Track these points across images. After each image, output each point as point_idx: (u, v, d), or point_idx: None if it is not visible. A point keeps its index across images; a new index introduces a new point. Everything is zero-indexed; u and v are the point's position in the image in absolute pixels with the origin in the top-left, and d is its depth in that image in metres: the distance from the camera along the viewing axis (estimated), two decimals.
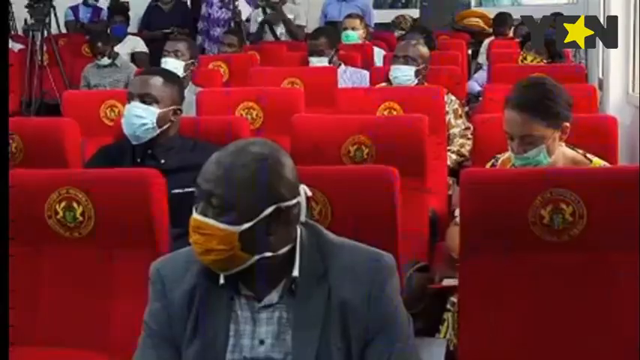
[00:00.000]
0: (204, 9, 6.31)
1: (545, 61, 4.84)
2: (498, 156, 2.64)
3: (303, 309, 1.69)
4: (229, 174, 1.63)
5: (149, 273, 1.80)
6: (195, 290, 1.73)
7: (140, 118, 2.82)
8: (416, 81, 4.24)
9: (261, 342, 1.71)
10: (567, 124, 2.44)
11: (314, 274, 1.70)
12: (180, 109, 2.92)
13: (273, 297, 1.71)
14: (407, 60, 4.27)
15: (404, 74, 4.24)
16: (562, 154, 2.47)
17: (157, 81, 2.88)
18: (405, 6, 8.92)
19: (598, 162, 2.48)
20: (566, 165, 2.45)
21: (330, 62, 5.11)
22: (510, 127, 2.43)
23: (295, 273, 1.70)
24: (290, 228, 1.70)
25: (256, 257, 1.67)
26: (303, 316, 1.69)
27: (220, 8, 6.17)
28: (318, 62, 5.11)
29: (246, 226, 1.63)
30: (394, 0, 9.09)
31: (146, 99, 2.84)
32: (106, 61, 5.92)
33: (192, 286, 1.73)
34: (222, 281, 1.71)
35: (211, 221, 1.63)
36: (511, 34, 6.90)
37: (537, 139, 2.39)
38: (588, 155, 2.51)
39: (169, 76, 3.04)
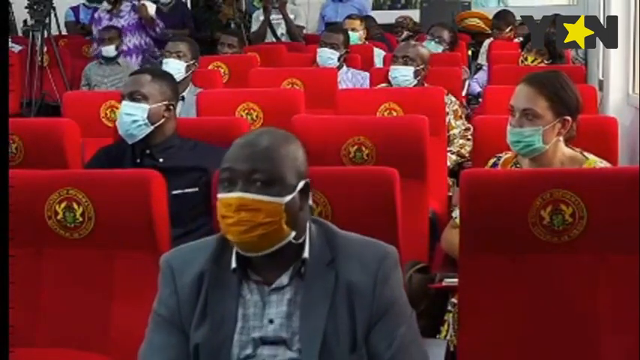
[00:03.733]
0: (94, 31, 6.33)
1: (545, 62, 4.84)
2: (500, 155, 2.64)
3: (311, 290, 1.75)
4: (270, 150, 1.73)
5: (159, 264, 1.85)
6: (204, 276, 1.78)
7: (130, 116, 2.83)
8: (415, 81, 4.24)
9: (271, 321, 1.75)
10: (569, 119, 2.45)
11: (322, 261, 1.77)
12: (173, 105, 2.92)
13: (283, 280, 1.77)
14: (406, 61, 4.27)
15: (402, 75, 4.25)
16: (561, 151, 2.48)
17: (145, 78, 2.90)
18: (405, 7, 8.91)
19: (594, 160, 2.49)
20: (564, 162, 2.46)
21: (339, 59, 5.14)
22: (515, 98, 2.49)
23: (306, 254, 1.76)
24: (308, 206, 1.80)
25: (293, 234, 1.74)
26: (311, 296, 1.74)
27: (110, 20, 6.23)
28: (330, 54, 5.12)
29: (288, 198, 1.72)
30: (393, 1, 9.07)
31: (135, 96, 2.86)
32: (112, 51, 5.75)
33: (201, 272, 1.78)
34: (234, 265, 1.76)
35: (258, 196, 1.69)
36: (507, 30, 6.88)
37: (537, 117, 2.43)
38: (585, 153, 2.52)
39: (158, 72, 3.07)
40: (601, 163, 2.48)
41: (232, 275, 1.77)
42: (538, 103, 2.43)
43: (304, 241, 1.78)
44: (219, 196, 1.75)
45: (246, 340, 1.75)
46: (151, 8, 6.29)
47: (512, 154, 2.60)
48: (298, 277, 1.77)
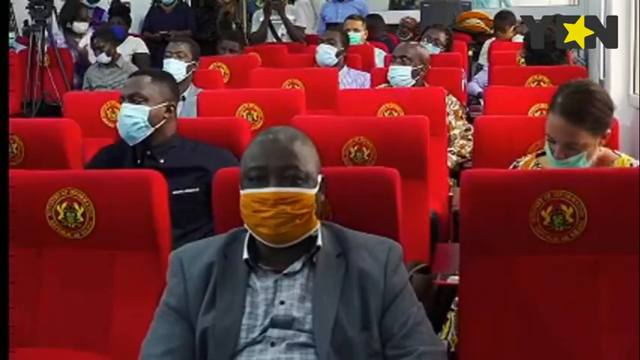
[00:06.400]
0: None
1: (519, 57, 4.88)
2: (520, 160, 2.64)
3: (323, 276, 1.83)
4: (297, 146, 1.85)
5: (168, 260, 1.92)
6: (213, 266, 1.85)
7: (131, 118, 2.82)
8: (413, 81, 4.24)
9: (282, 302, 1.81)
10: (609, 131, 2.42)
11: (332, 253, 1.86)
12: (173, 105, 2.91)
13: (296, 266, 1.85)
14: (404, 61, 4.27)
15: (400, 75, 4.25)
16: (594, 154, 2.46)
17: (145, 80, 2.89)
18: (401, 8, 8.89)
19: (626, 158, 2.49)
20: (598, 163, 2.44)
21: (337, 56, 5.22)
22: (555, 133, 2.40)
23: (319, 242, 1.85)
24: (322, 201, 1.91)
25: (318, 224, 1.88)
26: (324, 281, 1.82)
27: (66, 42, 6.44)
28: (327, 49, 5.23)
29: (316, 189, 1.86)
30: (392, 2, 9.06)
31: (135, 98, 2.85)
32: (104, 58, 5.82)
33: (210, 263, 1.85)
34: (245, 256, 1.84)
35: (295, 189, 1.81)
36: (510, 31, 6.89)
37: (581, 146, 2.37)
38: (616, 151, 2.53)
39: (158, 73, 3.05)
40: (634, 162, 2.47)
41: (242, 266, 1.84)
42: (580, 136, 2.36)
43: (317, 232, 1.87)
44: (249, 191, 1.82)
45: (253, 324, 1.80)
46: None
47: (530, 157, 2.60)
48: (310, 264, 1.85)
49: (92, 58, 6.25)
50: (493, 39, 6.91)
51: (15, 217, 2.06)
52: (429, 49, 5.26)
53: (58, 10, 6.80)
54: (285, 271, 1.84)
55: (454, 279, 2.35)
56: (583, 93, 2.43)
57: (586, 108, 2.38)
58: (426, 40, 5.89)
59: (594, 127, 2.38)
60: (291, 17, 7.23)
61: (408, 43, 4.75)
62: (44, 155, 3.03)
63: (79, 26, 6.79)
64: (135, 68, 5.99)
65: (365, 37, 6.38)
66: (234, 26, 7.23)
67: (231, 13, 7.66)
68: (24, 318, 2.20)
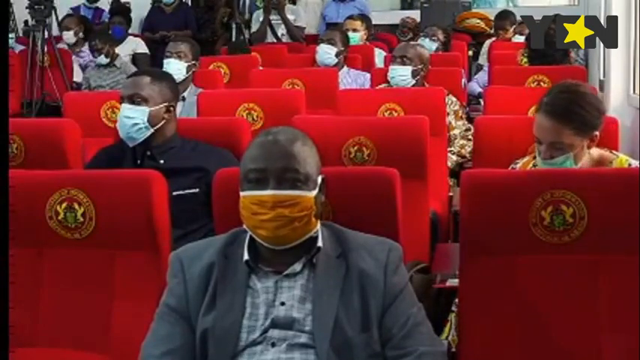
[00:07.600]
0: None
1: (524, 58, 4.88)
2: (518, 160, 2.64)
3: (323, 277, 1.83)
4: (297, 148, 1.84)
5: (168, 261, 1.92)
6: (214, 267, 1.85)
7: (130, 119, 2.81)
8: (413, 81, 4.24)
9: (282, 304, 1.81)
10: (597, 134, 2.41)
11: (333, 254, 1.86)
12: (173, 106, 2.91)
13: (296, 267, 1.84)
14: (404, 61, 4.28)
15: (400, 75, 4.25)
16: (589, 157, 2.45)
17: (144, 80, 2.88)
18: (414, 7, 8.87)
19: (624, 158, 2.48)
20: (591, 164, 2.44)
21: (337, 56, 5.23)
22: (539, 132, 2.41)
23: (320, 243, 1.85)
24: (322, 202, 1.90)
25: (318, 225, 1.88)
26: (324, 282, 1.82)
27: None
28: (327, 49, 5.24)
29: (316, 191, 1.85)
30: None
31: (135, 99, 2.84)
32: (103, 59, 5.84)
33: (210, 263, 1.85)
34: (246, 257, 1.83)
35: (294, 192, 1.80)
36: (511, 30, 6.89)
37: (565, 146, 2.37)
38: (614, 152, 2.52)
39: (158, 74, 3.04)
40: (632, 162, 2.47)
41: (242, 267, 1.84)
42: (563, 135, 2.36)
43: (317, 233, 1.87)
44: (248, 193, 1.82)
45: (254, 325, 1.80)
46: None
47: (528, 158, 2.60)
48: (310, 265, 1.85)
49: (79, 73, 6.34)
50: (493, 39, 6.91)
51: (15, 217, 2.06)
52: (427, 44, 5.25)
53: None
54: (285, 273, 1.84)
55: (454, 282, 2.35)
56: (571, 93, 2.43)
57: (571, 108, 2.38)
58: (422, 35, 5.89)
59: (579, 128, 2.37)
60: (291, 17, 7.23)
61: (408, 43, 4.76)
62: (44, 155, 3.03)
63: (67, 35, 6.78)
64: (133, 68, 5.99)
65: (365, 37, 6.38)
66: (234, 26, 7.21)
67: (226, 11, 7.65)
68: (24, 318, 2.20)
